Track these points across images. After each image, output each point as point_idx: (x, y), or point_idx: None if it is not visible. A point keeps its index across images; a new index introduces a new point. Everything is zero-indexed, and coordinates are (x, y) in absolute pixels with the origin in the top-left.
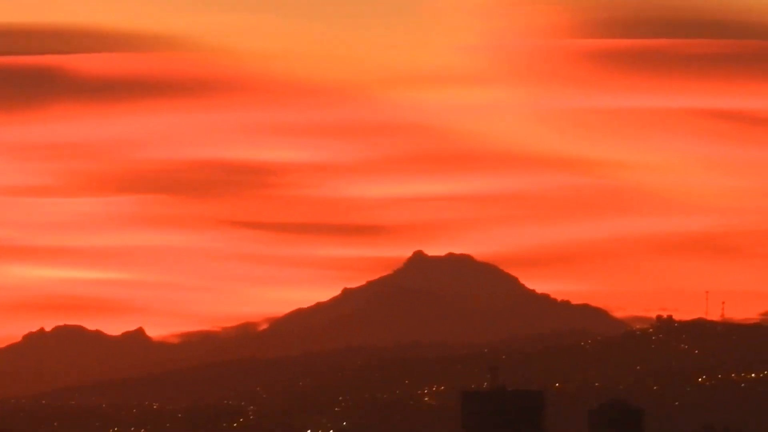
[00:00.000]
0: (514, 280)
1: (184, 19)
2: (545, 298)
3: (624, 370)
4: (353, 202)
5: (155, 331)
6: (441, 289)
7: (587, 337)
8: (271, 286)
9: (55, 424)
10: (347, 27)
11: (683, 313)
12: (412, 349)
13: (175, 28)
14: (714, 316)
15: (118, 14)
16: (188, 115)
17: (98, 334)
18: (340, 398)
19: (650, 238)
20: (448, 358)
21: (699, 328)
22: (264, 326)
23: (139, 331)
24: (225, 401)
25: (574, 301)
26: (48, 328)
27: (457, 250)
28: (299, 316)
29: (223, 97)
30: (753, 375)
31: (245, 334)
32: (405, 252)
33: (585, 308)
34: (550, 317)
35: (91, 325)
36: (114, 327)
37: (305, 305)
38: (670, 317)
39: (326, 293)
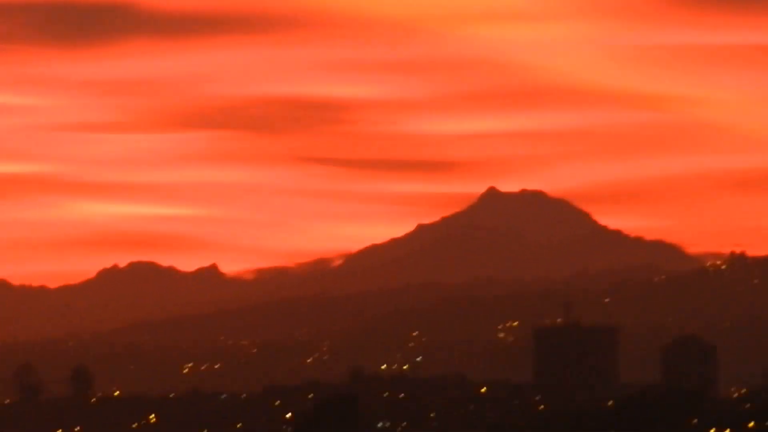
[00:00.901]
0: (587, 216)
1: None
2: (618, 233)
3: (697, 306)
4: (426, 138)
5: (229, 267)
6: (514, 225)
7: (660, 273)
8: (344, 222)
9: (130, 359)
10: None
11: (757, 249)
12: (486, 285)
13: None
14: None
15: None
16: (259, 51)
17: (172, 270)
18: (414, 334)
19: (725, 174)
20: (522, 294)
21: None
22: (338, 262)
23: (213, 267)
24: (299, 337)
25: (647, 237)
26: (122, 265)
27: (530, 186)
28: (373, 252)
29: (294, 33)
30: None
31: (319, 270)
32: (478, 188)
33: (658, 244)
34: (622, 253)
35: (164, 261)
36: (187, 263)
37: (379, 241)
38: (743, 253)
39: (400, 229)
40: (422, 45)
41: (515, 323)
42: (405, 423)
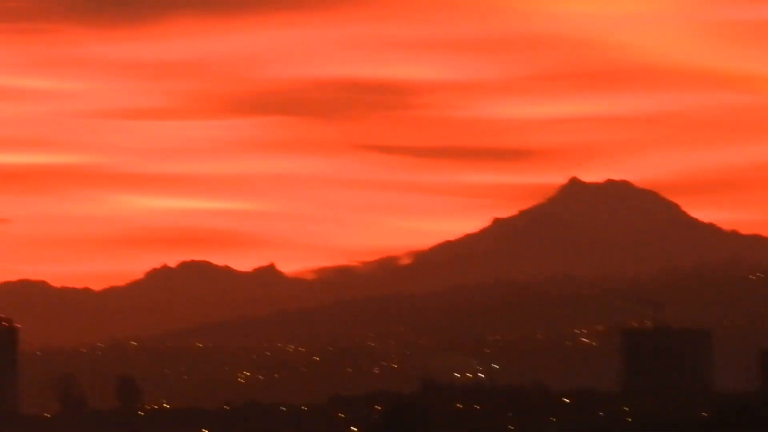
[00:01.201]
0: (677, 208)
1: None
2: (711, 227)
3: None
4: (503, 124)
5: (288, 267)
6: (598, 219)
7: (758, 269)
8: (414, 216)
9: (181, 368)
10: None
11: None
12: (567, 284)
13: None
14: None
15: None
16: (319, 29)
17: (227, 270)
18: (490, 338)
19: None
20: (607, 293)
21: None
22: (407, 260)
23: (271, 267)
24: (365, 342)
25: (743, 231)
26: (172, 264)
27: (616, 176)
28: (445, 248)
29: (357, 10)
30: None
31: (386, 268)
32: (559, 178)
33: (755, 239)
34: (716, 248)
35: (219, 260)
36: (244, 262)
37: (452, 237)
38: None
39: (475, 224)
40: (499, 21)
41: (600, 326)
42: None
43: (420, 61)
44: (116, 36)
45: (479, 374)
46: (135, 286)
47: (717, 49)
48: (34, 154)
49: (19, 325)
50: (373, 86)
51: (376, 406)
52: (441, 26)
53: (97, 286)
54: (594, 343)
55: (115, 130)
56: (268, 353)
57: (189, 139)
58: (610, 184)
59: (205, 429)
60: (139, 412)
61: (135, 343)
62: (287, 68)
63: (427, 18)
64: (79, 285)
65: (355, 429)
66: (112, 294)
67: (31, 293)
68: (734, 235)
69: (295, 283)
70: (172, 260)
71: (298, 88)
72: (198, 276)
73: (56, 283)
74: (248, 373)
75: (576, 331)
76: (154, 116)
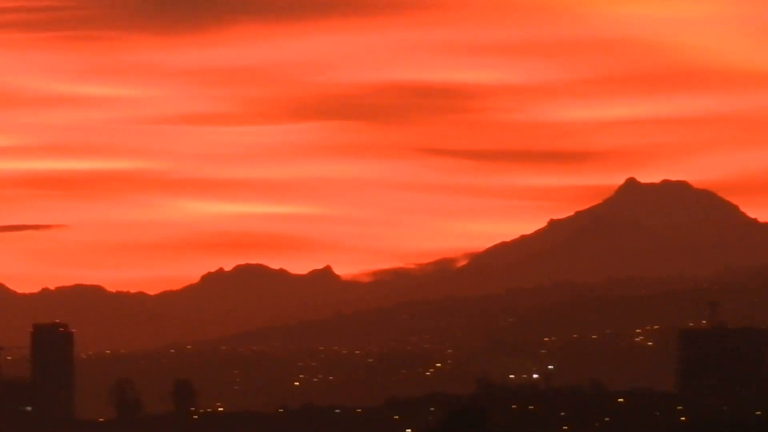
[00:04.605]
0: (735, 209)
1: None
2: None
3: None
4: (560, 127)
5: (344, 269)
6: (655, 220)
7: None
8: (470, 218)
9: (236, 371)
10: None
11: None
12: (623, 285)
13: None
14: None
15: None
16: (377, 34)
17: (282, 274)
18: (546, 339)
19: None
20: (664, 294)
21: None
22: (463, 262)
23: (327, 270)
24: (421, 345)
25: None
26: (228, 268)
27: (673, 177)
28: (501, 250)
29: (415, 14)
30: None
31: (442, 271)
32: (616, 180)
33: None
34: None
35: (274, 263)
36: (299, 265)
37: (508, 238)
38: None
39: (531, 225)
40: (557, 24)
41: (656, 326)
42: None
43: (478, 64)
44: (176, 42)
45: (535, 375)
46: (190, 290)
47: None
48: (90, 159)
49: (74, 330)
50: (432, 90)
51: (432, 409)
52: (500, 30)
53: (152, 291)
54: (650, 343)
55: (172, 136)
56: (324, 356)
57: (246, 145)
58: (668, 184)
59: (261, 431)
60: (194, 416)
61: (190, 347)
62: (347, 73)
63: (486, 22)
64: (134, 289)
65: (410, 431)
66: (167, 298)
67: (87, 298)
68: None
69: (351, 285)
70: (228, 264)
71: (357, 93)
72: (253, 279)
73: (111, 288)
74: (303, 376)
75: (632, 331)
76: (213, 122)
